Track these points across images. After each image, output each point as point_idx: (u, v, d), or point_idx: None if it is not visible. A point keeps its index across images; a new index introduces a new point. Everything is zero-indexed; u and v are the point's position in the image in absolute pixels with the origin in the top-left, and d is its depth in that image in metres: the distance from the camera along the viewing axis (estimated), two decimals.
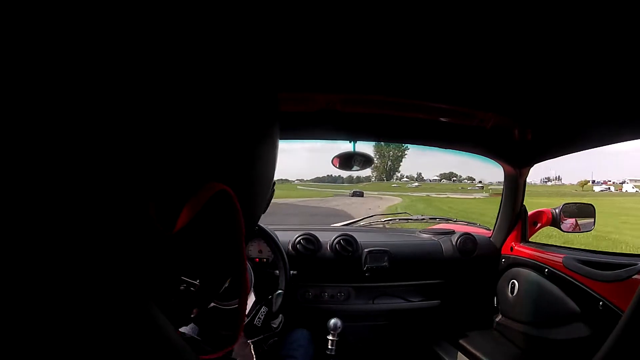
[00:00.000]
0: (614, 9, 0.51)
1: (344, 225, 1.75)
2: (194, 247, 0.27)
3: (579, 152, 1.05)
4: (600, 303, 0.90)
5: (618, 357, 0.46)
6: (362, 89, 0.91)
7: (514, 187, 1.27)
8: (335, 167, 1.16)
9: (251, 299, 0.91)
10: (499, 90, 0.88)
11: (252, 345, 0.78)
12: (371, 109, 1.00)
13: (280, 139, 1.27)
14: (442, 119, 1.06)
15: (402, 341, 1.36)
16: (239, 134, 0.27)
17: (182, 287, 0.28)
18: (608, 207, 19.34)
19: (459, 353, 1.24)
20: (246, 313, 0.87)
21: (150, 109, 0.21)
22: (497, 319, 1.29)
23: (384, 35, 0.63)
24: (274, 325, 0.87)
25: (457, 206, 20.33)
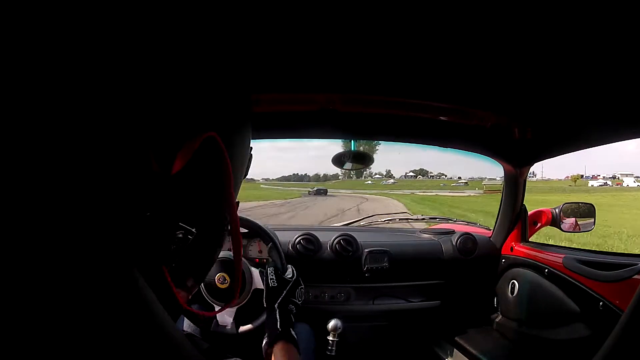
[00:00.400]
0: (613, 8, 0.51)
1: (344, 225, 1.75)
2: (189, 190, 0.31)
3: None
4: (601, 303, 0.90)
5: (618, 357, 0.46)
6: (361, 89, 0.91)
7: (514, 186, 1.27)
8: (335, 166, 1.16)
9: (256, 272, 0.92)
10: (498, 89, 0.88)
11: (278, 310, 0.75)
12: (371, 109, 1.00)
13: (281, 138, 1.26)
14: (441, 118, 1.06)
15: (403, 341, 1.36)
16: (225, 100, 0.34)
17: (180, 234, 0.31)
18: None
19: (459, 353, 1.23)
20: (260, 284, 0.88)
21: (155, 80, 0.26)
22: (497, 319, 1.29)
23: (383, 35, 0.63)
24: (289, 276, 0.84)
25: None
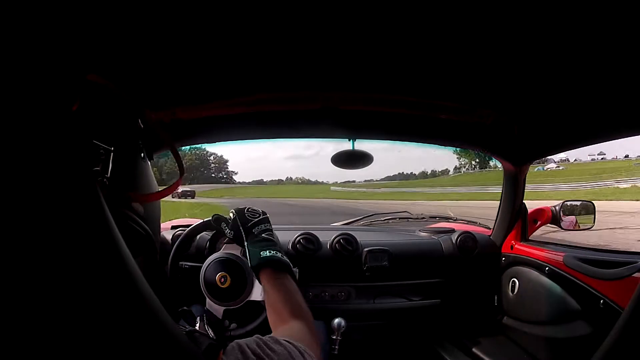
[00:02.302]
0: (613, 8, 0.51)
1: (343, 224, 1.75)
2: (95, 117, 0.41)
3: None
4: (601, 301, 0.90)
5: (618, 355, 0.46)
6: (362, 87, 0.90)
7: (514, 184, 1.27)
8: (335, 165, 1.15)
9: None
10: (498, 87, 0.88)
11: (247, 248, 0.69)
12: (371, 107, 1.00)
13: (281, 137, 1.26)
14: (441, 116, 1.06)
15: (404, 340, 1.36)
16: None
17: (101, 152, 0.40)
18: None
19: (459, 351, 1.23)
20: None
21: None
22: (497, 318, 1.29)
23: (383, 33, 0.63)
24: (232, 217, 0.78)
25: None
